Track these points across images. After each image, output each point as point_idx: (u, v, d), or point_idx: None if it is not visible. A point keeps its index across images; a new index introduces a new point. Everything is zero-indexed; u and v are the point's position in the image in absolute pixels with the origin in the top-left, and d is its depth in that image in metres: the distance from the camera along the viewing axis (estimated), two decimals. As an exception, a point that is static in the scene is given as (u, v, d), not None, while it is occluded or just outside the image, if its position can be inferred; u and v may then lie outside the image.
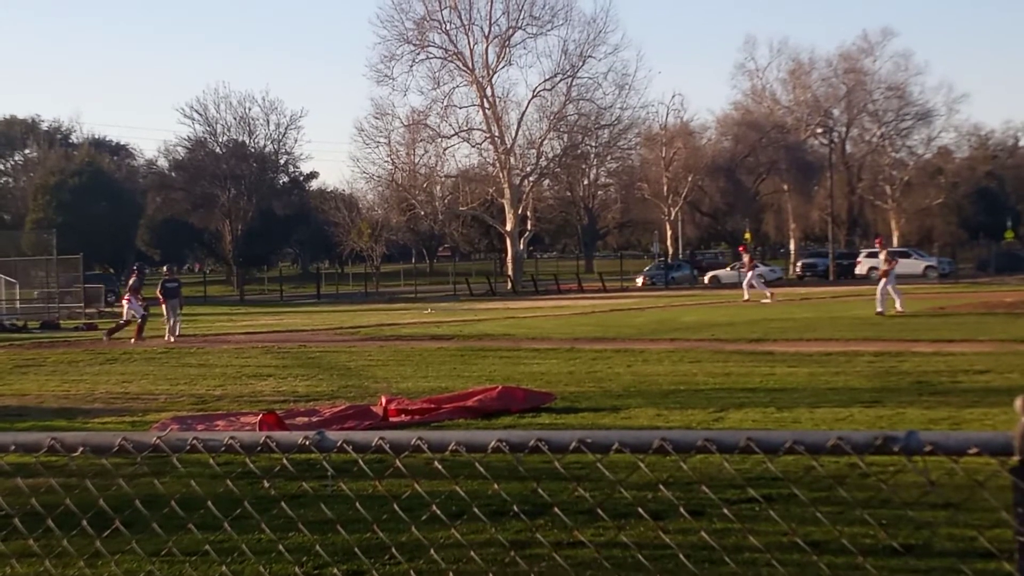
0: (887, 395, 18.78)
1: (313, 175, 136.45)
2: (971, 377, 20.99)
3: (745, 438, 3.41)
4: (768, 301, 50.52)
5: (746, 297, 53.24)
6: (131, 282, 39.38)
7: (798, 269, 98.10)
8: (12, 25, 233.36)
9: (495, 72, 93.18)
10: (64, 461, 4.20)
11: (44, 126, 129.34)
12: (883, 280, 36.83)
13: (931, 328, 31.43)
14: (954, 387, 19.70)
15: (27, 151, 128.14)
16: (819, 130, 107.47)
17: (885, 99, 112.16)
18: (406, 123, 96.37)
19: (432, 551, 8.23)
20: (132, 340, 36.59)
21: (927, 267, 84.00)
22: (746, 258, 56.88)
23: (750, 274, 54.31)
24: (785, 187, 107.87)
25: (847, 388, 19.93)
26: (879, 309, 36.85)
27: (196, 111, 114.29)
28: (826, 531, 8.75)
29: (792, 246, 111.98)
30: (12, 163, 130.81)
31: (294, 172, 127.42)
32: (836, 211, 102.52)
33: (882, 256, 39.75)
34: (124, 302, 37.63)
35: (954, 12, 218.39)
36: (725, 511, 9.17)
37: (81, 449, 4.09)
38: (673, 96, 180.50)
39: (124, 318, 37.48)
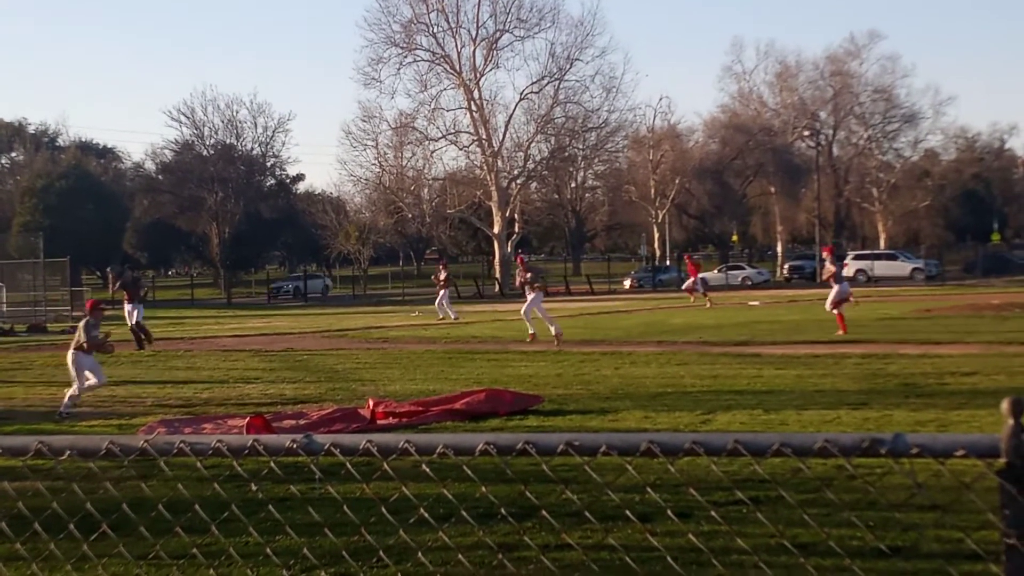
0: (874, 397, 18.81)
1: (300, 178, 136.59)
2: (958, 379, 21.02)
3: (732, 441, 3.41)
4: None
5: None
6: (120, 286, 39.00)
7: (785, 271, 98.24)
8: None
9: (482, 75, 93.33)
10: (51, 464, 4.20)
11: (31, 129, 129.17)
12: (835, 287, 35.55)
13: (918, 330, 31.49)
14: (941, 389, 19.73)
15: (13, 154, 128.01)
16: (806, 133, 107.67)
17: (872, 102, 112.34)
18: (394, 126, 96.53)
19: (420, 554, 8.23)
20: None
21: (914, 269, 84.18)
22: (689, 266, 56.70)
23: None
24: (772, 190, 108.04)
25: (834, 390, 19.96)
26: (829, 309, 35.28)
27: (183, 114, 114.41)
28: (814, 533, 8.76)
29: (779, 248, 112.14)
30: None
31: (281, 175, 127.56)
32: (823, 213, 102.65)
33: (827, 264, 38.48)
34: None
35: (941, 15, 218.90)
36: (713, 513, 9.17)
37: (68, 452, 4.07)
38: (660, 99, 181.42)
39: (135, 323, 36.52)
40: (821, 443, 3.31)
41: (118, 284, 36.77)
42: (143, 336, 34.61)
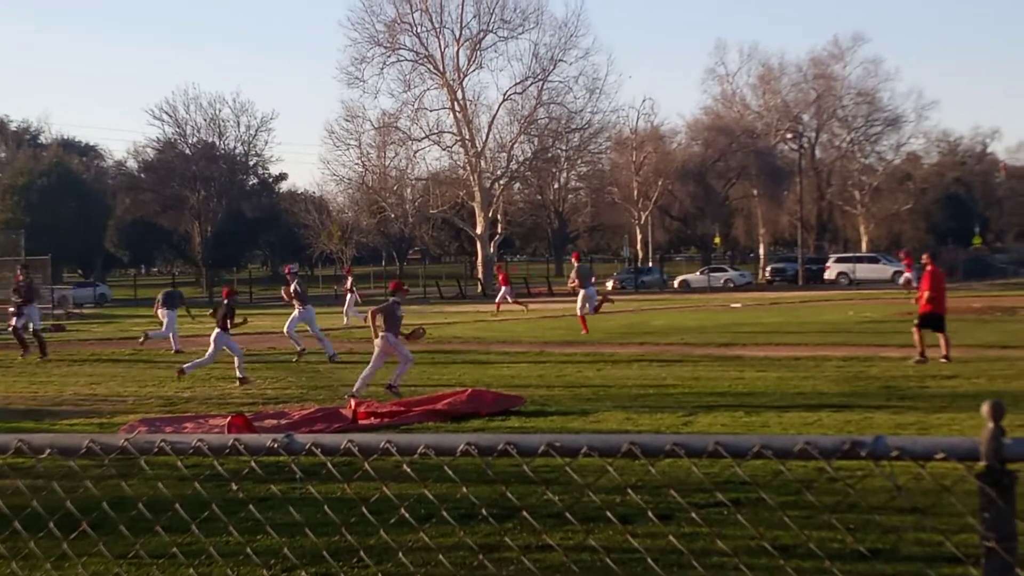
0: (855, 400, 18.86)
1: (283, 177, 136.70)
2: (939, 382, 21.10)
3: (713, 442, 3.41)
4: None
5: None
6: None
7: (767, 274, 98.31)
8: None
9: (466, 75, 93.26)
10: (31, 463, 4.19)
11: (12, 126, 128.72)
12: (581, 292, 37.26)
13: (900, 333, 31.54)
14: (922, 392, 19.80)
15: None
16: (789, 135, 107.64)
17: (855, 105, 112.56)
18: (377, 126, 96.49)
19: (401, 554, 8.24)
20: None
21: (895, 272, 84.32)
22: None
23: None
24: (755, 192, 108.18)
25: (816, 392, 20.01)
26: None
27: (166, 112, 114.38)
28: (794, 535, 8.77)
29: (761, 251, 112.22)
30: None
31: (264, 174, 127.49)
32: (805, 216, 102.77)
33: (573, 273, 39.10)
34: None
35: (924, 19, 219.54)
36: (693, 515, 9.19)
37: (48, 451, 4.06)
38: (644, 100, 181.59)
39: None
40: (802, 445, 3.32)
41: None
42: (38, 344, 33.30)
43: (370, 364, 21.14)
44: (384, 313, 21.28)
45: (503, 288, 54.05)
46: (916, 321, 25.60)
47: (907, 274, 63.31)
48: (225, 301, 27.02)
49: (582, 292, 37.15)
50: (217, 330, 25.89)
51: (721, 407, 18.28)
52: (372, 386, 21.68)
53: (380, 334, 21.19)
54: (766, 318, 43.24)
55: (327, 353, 29.34)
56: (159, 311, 36.46)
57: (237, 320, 26.39)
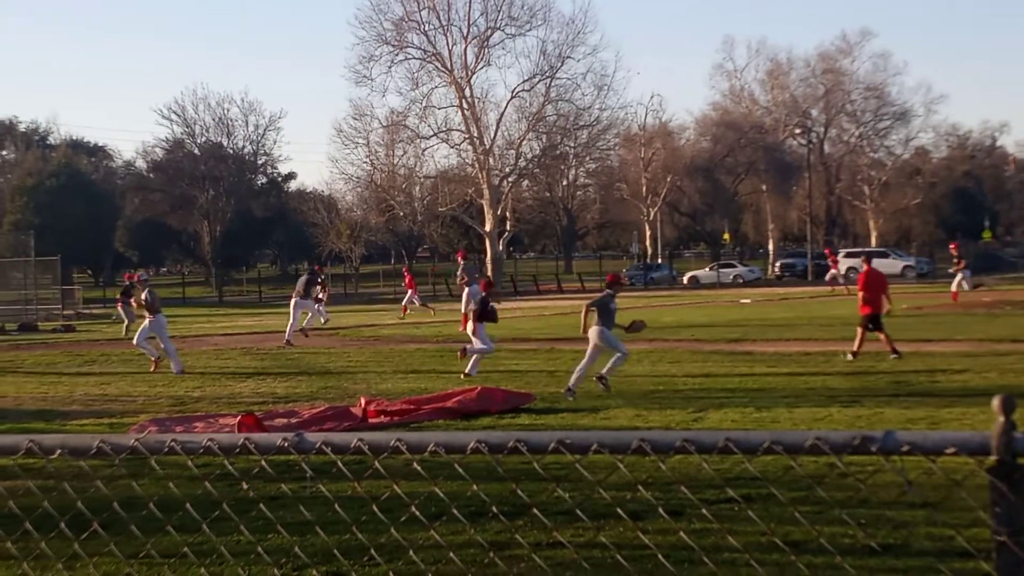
0: (866, 395, 18.85)
1: (292, 176, 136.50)
2: (949, 377, 21.07)
3: (724, 439, 3.41)
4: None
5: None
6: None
7: (777, 269, 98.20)
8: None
9: (474, 73, 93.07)
10: (42, 463, 4.21)
11: (21, 127, 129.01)
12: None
13: (909, 328, 31.48)
14: (932, 387, 19.77)
15: (4, 152, 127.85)
16: (797, 130, 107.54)
17: (863, 99, 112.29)
18: (385, 124, 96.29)
19: (411, 552, 8.23)
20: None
21: (905, 267, 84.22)
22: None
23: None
24: (764, 187, 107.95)
25: (826, 388, 19.99)
26: None
27: (174, 112, 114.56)
28: (805, 531, 8.77)
29: (771, 246, 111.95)
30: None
31: (272, 173, 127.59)
32: (814, 211, 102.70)
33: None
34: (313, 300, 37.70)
35: (933, 13, 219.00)
36: (704, 511, 9.18)
37: (59, 451, 4.07)
38: (652, 96, 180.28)
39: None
40: (812, 441, 3.31)
41: None
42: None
43: (585, 358, 20.88)
44: (598, 306, 21.13)
45: (408, 292, 53.13)
46: (860, 322, 25.61)
47: (832, 271, 63.95)
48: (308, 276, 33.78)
49: (466, 289, 38.12)
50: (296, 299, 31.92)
51: (731, 403, 18.28)
52: (379, 384, 21.64)
53: (594, 327, 20.99)
54: (776, 313, 43.20)
55: (174, 370, 27.32)
56: (295, 300, 37.05)
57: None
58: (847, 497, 10.53)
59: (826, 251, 73.64)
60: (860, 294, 26.04)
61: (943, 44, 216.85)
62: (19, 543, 7.70)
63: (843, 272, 66.71)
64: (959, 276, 51.27)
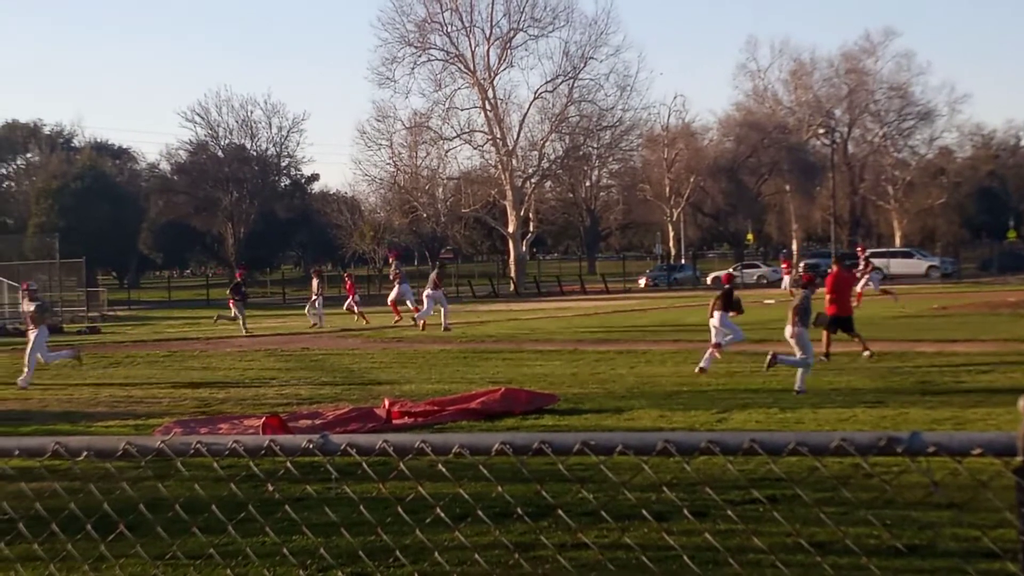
0: (890, 395, 18.81)
1: (315, 177, 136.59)
2: (974, 377, 21.01)
3: (748, 440, 3.40)
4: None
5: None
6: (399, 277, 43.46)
7: (801, 270, 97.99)
8: (13, 29, 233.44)
9: (496, 74, 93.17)
10: (68, 465, 4.21)
11: (46, 130, 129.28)
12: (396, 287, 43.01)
13: (934, 328, 31.42)
14: (957, 387, 19.72)
15: (29, 155, 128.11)
16: (821, 130, 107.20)
17: (887, 99, 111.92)
18: (408, 125, 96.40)
19: (436, 553, 8.24)
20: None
21: (930, 267, 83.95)
22: None
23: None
24: (787, 188, 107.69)
25: (850, 389, 19.95)
26: None
27: (198, 114, 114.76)
28: (830, 532, 8.75)
29: (794, 247, 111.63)
30: (14, 167, 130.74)
31: (296, 175, 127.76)
32: (838, 211, 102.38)
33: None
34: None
35: (956, 12, 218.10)
36: (729, 512, 9.16)
37: (85, 453, 4.08)
38: (675, 97, 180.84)
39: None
40: (838, 442, 3.30)
41: None
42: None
43: (801, 352, 20.77)
44: (802, 307, 21.13)
45: (349, 297, 51.02)
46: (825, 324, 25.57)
47: (785, 278, 63.90)
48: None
49: (398, 286, 43.13)
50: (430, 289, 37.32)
51: (755, 404, 18.26)
52: (403, 386, 21.64)
53: (789, 327, 20.96)
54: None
55: (20, 384, 25.80)
56: (426, 292, 40.49)
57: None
58: (873, 498, 10.50)
59: (781, 258, 73.68)
60: (827, 295, 26.06)
61: (967, 43, 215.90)
62: (46, 545, 7.73)
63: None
64: (865, 278, 52.29)
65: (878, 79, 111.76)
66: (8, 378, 27.02)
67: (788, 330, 20.83)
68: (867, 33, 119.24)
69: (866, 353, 24.74)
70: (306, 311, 47.75)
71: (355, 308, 47.81)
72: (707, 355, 23.74)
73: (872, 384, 20.46)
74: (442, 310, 40.53)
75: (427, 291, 40.44)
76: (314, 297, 46.62)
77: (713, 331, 24.55)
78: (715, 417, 17.03)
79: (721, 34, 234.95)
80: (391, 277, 45.41)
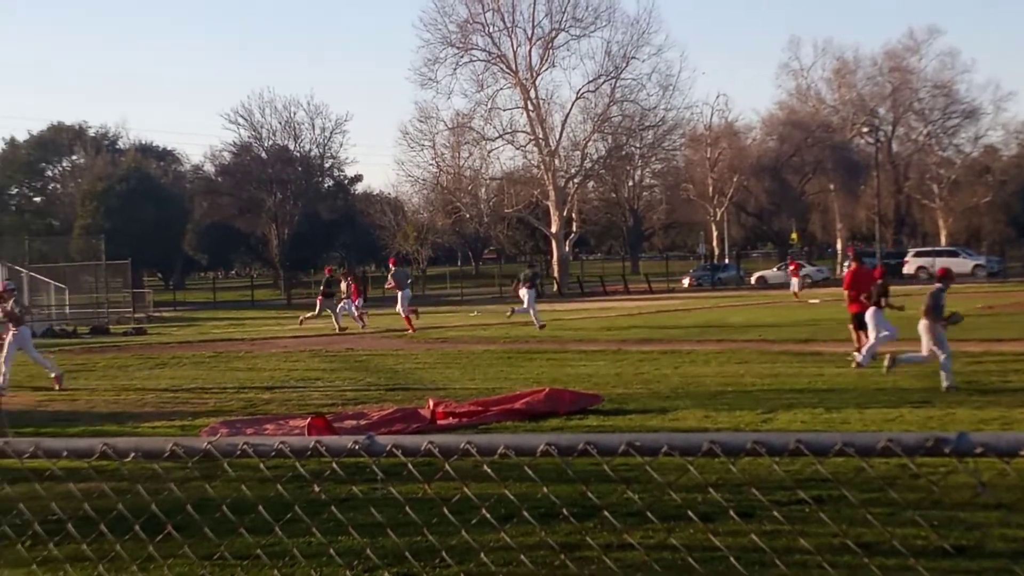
0: (937, 395, 18.69)
1: (358, 178, 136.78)
2: (1022, 377, 20.88)
3: (795, 440, 3.39)
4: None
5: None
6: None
7: (845, 269, 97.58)
8: (58, 32, 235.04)
9: (539, 74, 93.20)
10: (115, 466, 4.21)
11: (91, 132, 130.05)
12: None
13: (980, 327, 31.21)
14: (1004, 387, 19.60)
15: (74, 157, 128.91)
16: (865, 129, 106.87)
17: (931, 97, 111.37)
18: (450, 126, 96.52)
19: (482, 554, 8.25)
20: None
21: (976, 266, 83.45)
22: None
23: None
24: (831, 187, 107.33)
25: (896, 389, 19.84)
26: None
27: (241, 116, 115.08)
28: (877, 533, 8.71)
29: (839, 246, 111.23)
30: (60, 169, 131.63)
31: (339, 176, 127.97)
32: (883, 210, 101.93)
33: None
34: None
35: (1001, 10, 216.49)
36: (775, 513, 9.14)
37: (133, 454, 4.11)
38: (717, 96, 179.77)
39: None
40: (884, 443, 3.29)
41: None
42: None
43: (941, 355, 20.69)
44: (934, 303, 21.08)
45: (344, 302, 47.74)
46: (851, 321, 25.57)
47: (793, 280, 63.37)
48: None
49: (400, 294, 43.26)
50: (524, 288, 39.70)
51: (801, 404, 18.18)
52: (447, 386, 21.65)
53: (923, 320, 20.94)
54: (845, 314, 42.85)
55: (53, 374, 25.59)
56: (521, 290, 42.07)
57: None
58: (920, 499, 10.46)
59: (789, 260, 73.07)
60: (847, 292, 25.96)
61: (1012, 41, 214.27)
62: (94, 545, 7.78)
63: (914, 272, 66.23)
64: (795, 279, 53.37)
65: (922, 77, 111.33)
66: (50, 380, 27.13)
67: (922, 324, 20.68)
68: (910, 31, 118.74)
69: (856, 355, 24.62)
70: (338, 313, 47.34)
71: (354, 311, 47.15)
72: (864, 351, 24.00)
73: (918, 384, 20.33)
74: (532, 310, 41.44)
75: (521, 290, 42.03)
76: (344, 300, 46.57)
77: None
78: (760, 417, 16.98)
79: (763, 33, 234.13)
80: (387, 286, 46.69)
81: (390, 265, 47.46)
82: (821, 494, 10.51)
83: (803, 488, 10.52)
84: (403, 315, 42.85)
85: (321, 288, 47.42)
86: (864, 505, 9.67)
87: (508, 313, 43.32)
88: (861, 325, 25.15)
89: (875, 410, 17.24)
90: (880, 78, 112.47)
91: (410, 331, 41.01)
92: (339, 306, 45.62)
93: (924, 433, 3.31)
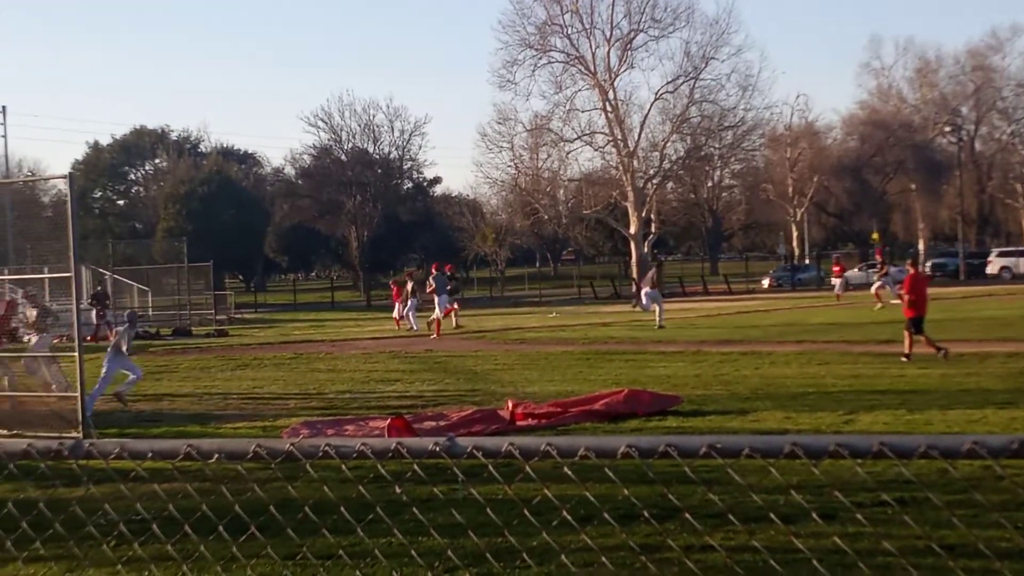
0: (1021, 396, 18.47)
1: (437, 180, 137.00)
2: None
3: (878, 443, 3.37)
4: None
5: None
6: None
7: (927, 269, 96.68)
8: (140, 38, 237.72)
9: (617, 75, 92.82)
10: (199, 466, 4.27)
11: (173, 136, 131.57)
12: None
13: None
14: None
15: (157, 161, 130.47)
16: (947, 128, 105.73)
17: (1015, 96, 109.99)
18: (529, 127, 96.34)
19: (562, 555, 8.25)
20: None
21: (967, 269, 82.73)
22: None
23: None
24: (913, 187, 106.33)
25: (980, 389, 19.63)
26: None
27: (321, 119, 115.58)
28: (961, 535, 8.63)
29: (921, 246, 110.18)
30: (143, 173, 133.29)
31: (418, 178, 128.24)
32: (966, 210, 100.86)
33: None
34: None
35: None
36: (857, 515, 9.08)
37: (217, 456, 4.15)
38: (797, 96, 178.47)
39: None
40: (969, 445, 3.26)
41: None
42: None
43: None
44: None
45: (411, 302, 48.14)
46: (906, 325, 25.74)
47: (836, 281, 62.41)
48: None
49: (437, 299, 44.07)
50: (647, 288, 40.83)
51: (882, 406, 18.04)
52: (526, 387, 21.66)
53: None
54: (927, 314, 42.51)
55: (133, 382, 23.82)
56: (644, 291, 43.98)
57: None
58: (1004, 501, 10.34)
59: (834, 260, 71.74)
60: (905, 297, 25.92)
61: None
62: (178, 545, 7.86)
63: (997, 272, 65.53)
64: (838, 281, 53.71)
65: (1005, 76, 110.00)
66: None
67: None
68: (993, 30, 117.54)
69: (904, 359, 24.69)
70: (406, 315, 47.39)
71: (409, 315, 47.12)
72: None
73: (1002, 385, 20.12)
74: (657, 308, 42.85)
75: (645, 289, 43.82)
76: (410, 302, 46.73)
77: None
78: (841, 419, 16.86)
79: (844, 33, 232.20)
80: (428, 290, 46.80)
81: (433, 269, 48.04)
82: (904, 496, 10.43)
83: (886, 490, 10.43)
84: (438, 318, 43.46)
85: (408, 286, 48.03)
86: (948, 507, 9.59)
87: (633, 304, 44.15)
88: (918, 330, 25.17)
89: (958, 411, 17.07)
90: (963, 77, 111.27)
91: (434, 335, 41.42)
92: (407, 309, 46.02)
93: (1009, 436, 3.28)
